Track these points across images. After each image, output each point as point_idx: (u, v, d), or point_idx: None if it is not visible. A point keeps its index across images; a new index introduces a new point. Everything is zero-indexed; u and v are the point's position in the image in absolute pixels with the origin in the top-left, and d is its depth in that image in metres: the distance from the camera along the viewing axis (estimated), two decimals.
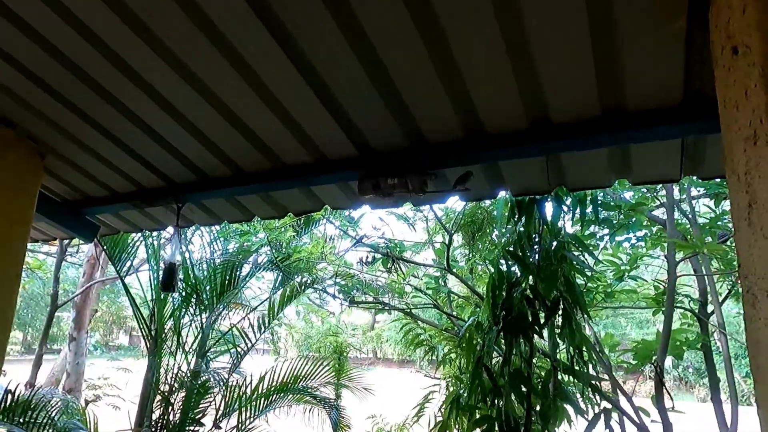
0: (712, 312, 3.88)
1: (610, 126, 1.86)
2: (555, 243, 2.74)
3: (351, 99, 2.04)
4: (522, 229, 2.67)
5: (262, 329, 4.84)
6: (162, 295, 4.58)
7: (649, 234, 3.63)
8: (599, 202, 2.81)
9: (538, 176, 2.32)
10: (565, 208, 2.77)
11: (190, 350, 4.71)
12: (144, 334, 4.65)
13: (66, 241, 7.20)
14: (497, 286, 2.64)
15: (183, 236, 4.72)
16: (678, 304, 3.69)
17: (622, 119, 1.85)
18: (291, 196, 2.93)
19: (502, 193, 2.74)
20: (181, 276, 4.57)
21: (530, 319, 2.49)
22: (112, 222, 3.73)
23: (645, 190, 3.66)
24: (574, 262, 2.64)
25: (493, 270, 2.75)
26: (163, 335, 4.62)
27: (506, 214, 2.76)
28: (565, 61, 1.69)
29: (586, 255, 2.92)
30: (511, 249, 2.72)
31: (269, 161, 2.58)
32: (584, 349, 2.64)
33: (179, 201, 2.98)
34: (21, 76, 2.17)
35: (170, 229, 5.97)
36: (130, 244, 4.56)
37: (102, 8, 1.67)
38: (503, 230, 2.91)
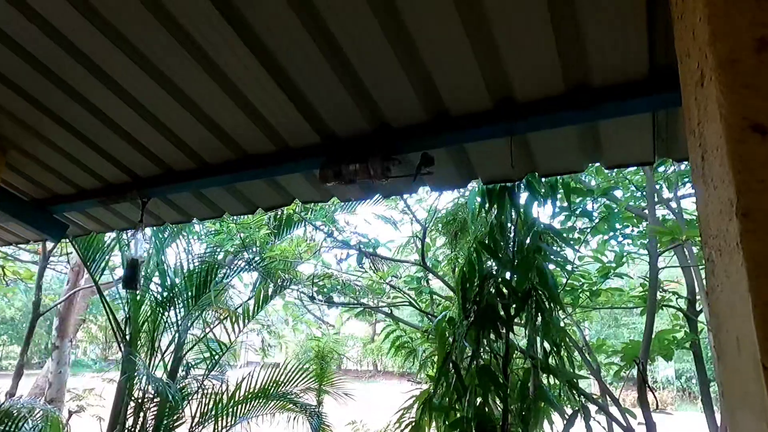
0: (701, 309, 3.77)
1: (576, 102, 1.77)
2: (530, 234, 2.64)
3: (310, 85, 1.98)
4: (494, 219, 2.57)
5: (237, 332, 4.70)
6: (138, 298, 4.46)
7: (633, 230, 3.53)
8: (570, 188, 2.71)
9: (507, 162, 2.23)
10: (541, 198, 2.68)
11: (167, 354, 4.58)
12: (118, 338, 4.52)
13: (49, 248, 7.09)
14: (468, 279, 2.54)
15: (162, 239, 4.63)
16: (665, 303, 3.58)
17: (587, 95, 1.77)
18: (258, 190, 2.85)
19: (473, 184, 2.66)
20: (158, 279, 4.47)
21: (500, 312, 2.38)
22: (81, 221, 3.62)
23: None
24: (550, 254, 2.54)
25: (463, 262, 2.65)
26: (138, 340, 4.49)
27: (478, 204, 2.66)
28: (526, 37, 1.62)
29: (566, 248, 2.82)
30: (484, 241, 2.62)
31: (233, 152, 2.51)
32: (562, 344, 2.53)
33: (143, 196, 2.88)
34: None
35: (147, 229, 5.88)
36: (104, 245, 4.44)
37: (60, 1, 1.65)
38: (476, 221, 2.82)
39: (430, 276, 4.67)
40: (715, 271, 0.97)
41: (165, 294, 4.48)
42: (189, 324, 4.62)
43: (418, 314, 4.69)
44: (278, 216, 4.84)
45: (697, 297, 3.78)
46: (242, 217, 4.33)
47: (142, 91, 2.09)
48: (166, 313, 4.46)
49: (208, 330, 4.96)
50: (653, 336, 3.35)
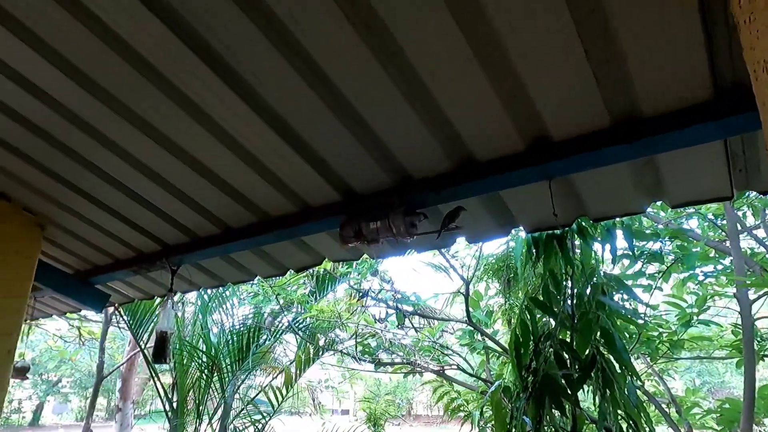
0: None
1: (622, 136, 1.48)
2: (589, 286, 2.29)
3: (324, 144, 1.87)
4: (545, 271, 2.24)
5: (282, 396, 4.49)
6: (184, 362, 4.40)
7: (715, 270, 3.03)
8: (631, 230, 2.32)
9: (551, 208, 1.94)
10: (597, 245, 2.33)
11: (214, 420, 4.43)
12: (165, 406, 4.44)
13: (110, 310, 7.34)
14: (521, 342, 2.20)
15: (205, 302, 4.60)
16: (765, 352, 3.01)
17: (637, 127, 1.48)
18: (286, 251, 2.72)
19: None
20: (203, 347, 4.40)
21: (562, 382, 2.02)
22: (123, 290, 3.65)
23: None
24: (615, 309, 2.16)
25: (514, 323, 2.31)
26: (185, 406, 4.40)
27: (525, 254, 2.35)
28: (554, 69, 1.38)
29: (630, 298, 2.42)
30: (536, 297, 2.29)
31: (254, 215, 2.42)
32: (642, 416, 2.11)
33: (173, 263, 2.82)
34: (11, 156, 2.23)
35: (190, 294, 5.92)
36: (148, 311, 4.46)
37: (77, 91, 1.72)
38: (526, 274, 2.49)
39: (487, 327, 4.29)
40: None
41: (207, 359, 4.39)
42: (234, 389, 4.48)
43: (475, 369, 4.29)
44: (313, 274, 4.70)
45: None
46: (277, 278, 4.22)
47: (164, 166, 2.13)
48: (212, 378, 4.36)
49: (254, 395, 4.79)
50: (756, 393, 2.79)
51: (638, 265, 2.68)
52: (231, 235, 2.56)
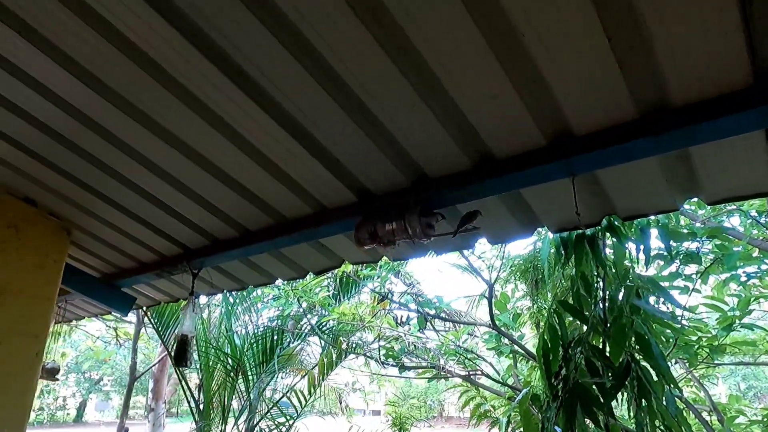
0: None
1: (651, 128, 1.37)
2: (623, 289, 2.16)
3: (338, 144, 1.83)
4: (575, 273, 2.13)
5: (306, 399, 4.47)
6: (210, 364, 4.44)
7: (759, 271, 2.84)
8: (667, 228, 2.16)
9: (579, 206, 1.84)
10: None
11: (240, 422, 4.46)
12: (192, 408, 4.49)
13: (141, 311, 7.51)
14: (550, 348, 2.09)
15: (230, 305, 4.63)
16: None
17: (666, 118, 1.37)
18: (305, 254, 2.69)
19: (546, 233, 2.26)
20: (227, 349, 4.43)
21: (594, 391, 1.90)
22: (149, 293, 3.70)
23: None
24: (650, 313, 2.03)
25: (543, 327, 2.20)
26: (211, 407, 4.43)
27: (552, 255, 2.23)
28: (578, 58, 1.29)
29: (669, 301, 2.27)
30: (566, 300, 2.18)
31: (271, 218, 2.40)
32: (680, 428, 1.97)
33: (194, 266, 2.83)
34: (36, 162, 2.28)
35: (216, 297, 5.99)
36: (174, 314, 4.53)
37: (100, 101, 1.76)
38: (554, 275, 2.37)
39: (514, 329, 4.15)
40: None
41: (232, 362, 4.42)
42: (259, 391, 4.49)
43: (501, 374, 4.16)
44: (336, 276, 4.66)
45: None
46: (298, 281, 4.20)
47: (182, 171, 2.15)
48: (237, 381, 4.39)
49: (279, 398, 4.80)
50: None
51: (674, 266, 2.53)
52: (249, 238, 2.55)
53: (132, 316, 8.95)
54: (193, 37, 1.45)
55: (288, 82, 1.57)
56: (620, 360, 1.95)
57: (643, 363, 2.03)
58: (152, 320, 4.60)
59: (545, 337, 2.17)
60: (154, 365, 7.90)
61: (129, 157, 2.11)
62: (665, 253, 2.38)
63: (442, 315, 4.06)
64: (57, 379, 3.58)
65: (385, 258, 2.68)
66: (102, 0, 1.39)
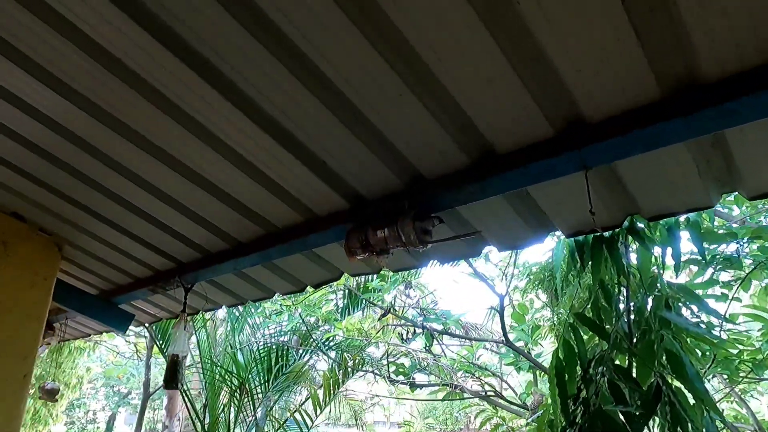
0: None
1: (679, 108, 1.15)
2: (650, 299, 1.91)
3: (319, 142, 1.65)
4: (592, 282, 1.89)
5: (313, 418, 4.25)
6: (215, 384, 4.28)
7: None
8: (700, 228, 1.89)
9: (596, 205, 1.61)
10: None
11: None
12: (196, 428, 4.33)
13: (144, 327, 7.42)
14: (566, 367, 1.86)
15: (233, 320, 4.47)
16: None
17: (696, 95, 1.14)
18: (302, 266, 2.52)
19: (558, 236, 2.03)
20: (231, 366, 4.26)
21: (619, 419, 1.65)
22: (149, 309, 3.58)
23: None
24: (683, 327, 1.77)
25: (557, 344, 1.95)
26: (216, 428, 4.26)
27: (566, 260, 1.99)
28: (586, 29, 1.09)
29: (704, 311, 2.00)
30: (583, 312, 1.94)
31: (261, 228, 2.25)
32: None
33: (188, 281, 2.68)
34: (22, 178, 2.22)
35: (221, 311, 5.84)
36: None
37: (86, 119, 1.70)
38: (570, 285, 2.13)
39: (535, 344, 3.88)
40: None
41: (234, 379, 4.25)
42: (265, 411, 4.30)
43: (521, 391, 3.88)
44: (345, 288, 4.45)
45: None
46: (302, 294, 4.02)
47: (168, 183, 2.05)
48: (242, 400, 4.20)
49: (287, 417, 4.59)
50: None
51: (708, 272, 2.25)
52: (241, 250, 2.39)
53: (146, 332, 8.91)
54: (168, 43, 1.35)
55: (262, 76, 1.41)
56: (649, 382, 1.69)
57: (676, 384, 1.77)
58: (155, 337, 4.47)
59: (559, 355, 1.93)
60: None
61: (114, 171, 2.02)
62: (698, 257, 2.12)
63: (451, 331, 3.78)
64: (56, 400, 3.47)
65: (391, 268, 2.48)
66: (78, 12, 1.31)
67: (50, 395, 3.41)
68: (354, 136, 1.56)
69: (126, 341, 10.68)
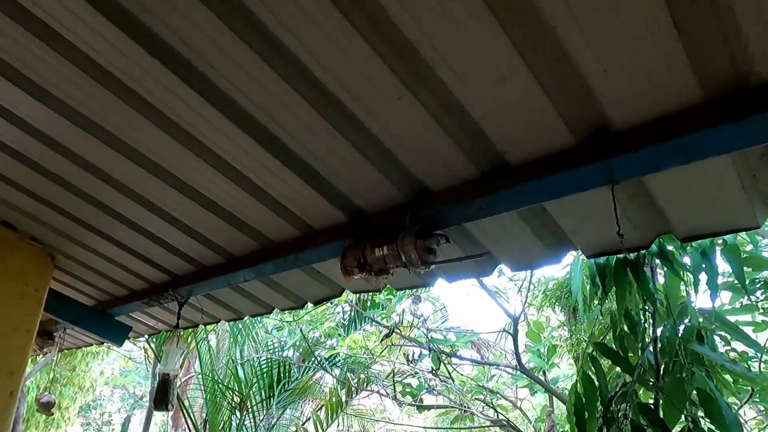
0: None
1: (727, 112, 0.97)
2: (681, 329, 1.71)
3: (313, 152, 1.50)
4: (616, 309, 1.69)
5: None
6: (216, 400, 4.13)
7: None
8: (740, 252, 1.67)
9: (622, 224, 1.42)
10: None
11: None
12: None
13: (155, 339, 7.32)
14: (585, 403, 1.66)
15: (235, 334, 4.33)
16: None
17: (748, 97, 0.96)
18: (301, 282, 2.38)
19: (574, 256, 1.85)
20: (234, 387, 4.12)
21: None
22: (146, 321, 3.46)
23: None
24: (718, 363, 1.56)
25: (576, 376, 1.76)
26: None
27: (587, 285, 1.80)
28: (615, 21, 0.92)
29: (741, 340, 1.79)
30: (604, 342, 1.75)
31: (257, 242, 2.12)
32: None
33: (183, 294, 2.55)
34: (9, 188, 2.14)
35: (223, 324, 5.70)
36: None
37: (79, 133, 1.64)
38: (591, 311, 1.93)
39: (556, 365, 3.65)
40: None
41: (235, 395, 4.10)
42: (268, 428, 4.13)
43: (537, 417, 3.66)
44: (351, 302, 4.28)
45: None
46: (299, 311, 3.86)
47: (161, 196, 1.96)
48: (243, 417, 4.04)
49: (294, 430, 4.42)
50: None
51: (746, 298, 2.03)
52: (235, 265, 2.25)
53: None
54: (152, 48, 1.25)
55: (249, 80, 1.28)
56: (680, 427, 1.49)
57: (709, 426, 1.57)
58: (153, 349, 4.36)
59: (578, 389, 1.73)
60: None
61: (104, 182, 1.94)
62: (735, 283, 1.91)
63: (459, 354, 3.57)
64: (52, 413, 3.36)
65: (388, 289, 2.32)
66: (63, 21, 1.22)
67: (46, 408, 3.31)
68: (349, 143, 1.41)
69: (137, 346, 10.62)
